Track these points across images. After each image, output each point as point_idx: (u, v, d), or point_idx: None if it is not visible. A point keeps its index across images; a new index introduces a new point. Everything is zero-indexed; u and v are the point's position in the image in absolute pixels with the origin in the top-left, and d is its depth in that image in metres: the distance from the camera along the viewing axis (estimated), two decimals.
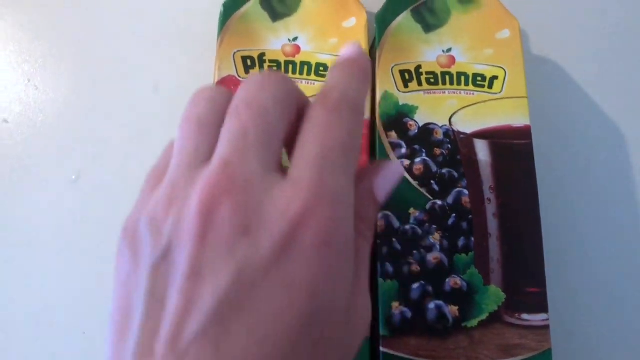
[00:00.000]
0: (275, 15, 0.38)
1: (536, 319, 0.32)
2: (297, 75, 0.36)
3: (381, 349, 0.31)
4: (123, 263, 0.22)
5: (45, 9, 0.47)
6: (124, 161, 0.42)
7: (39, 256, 0.40)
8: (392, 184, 0.26)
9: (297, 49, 0.37)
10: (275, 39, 0.37)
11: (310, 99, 0.24)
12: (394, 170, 0.26)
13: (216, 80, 0.36)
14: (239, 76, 0.36)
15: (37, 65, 0.45)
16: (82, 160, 0.42)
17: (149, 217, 0.21)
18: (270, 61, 0.37)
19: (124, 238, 0.22)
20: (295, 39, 0.37)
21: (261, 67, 0.36)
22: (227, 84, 0.36)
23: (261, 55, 0.37)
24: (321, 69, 0.36)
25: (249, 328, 0.18)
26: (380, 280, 0.32)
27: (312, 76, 0.36)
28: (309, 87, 0.36)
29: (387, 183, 0.26)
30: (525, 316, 0.32)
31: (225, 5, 0.38)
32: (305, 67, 0.36)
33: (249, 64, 0.36)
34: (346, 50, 0.25)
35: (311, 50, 0.37)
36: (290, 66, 0.37)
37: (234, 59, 0.36)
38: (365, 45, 0.37)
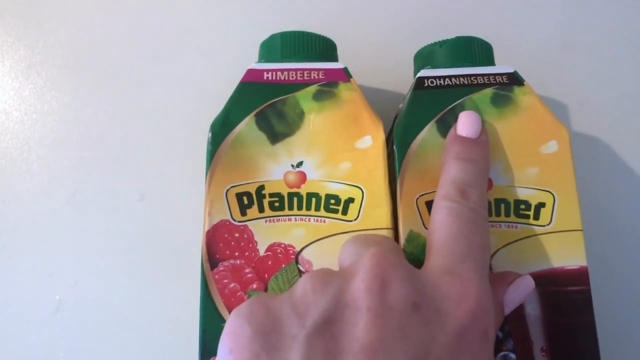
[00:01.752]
0: (275, 136, 0.31)
1: None
2: (304, 211, 0.30)
3: None
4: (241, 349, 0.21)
5: (27, 118, 0.42)
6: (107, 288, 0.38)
7: None
8: (521, 298, 0.27)
9: (303, 177, 0.30)
10: (275, 166, 0.30)
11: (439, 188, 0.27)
12: (525, 285, 0.27)
13: (207, 229, 0.29)
14: (233, 220, 0.29)
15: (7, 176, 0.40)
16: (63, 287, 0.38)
17: (292, 303, 0.22)
18: (271, 195, 0.30)
19: (238, 326, 0.22)
20: (300, 164, 0.30)
21: (260, 204, 0.30)
22: (220, 232, 0.29)
23: (260, 189, 0.30)
24: (332, 201, 0.30)
25: None
26: None
27: (322, 211, 0.30)
28: (319, 225, 0.29)
29: (517, 297, 0.27)
30: None
31: (213, 129, 0.31)
32: (313, 201, 0.30)
33: (245, 202, 0.30)
34: (467, 126, 0.29)
35: (319, 178, 0.30)
36: (295, 199, 0.30)
37: (227, 198, 0.30)
38: (383, 172, 0.30)
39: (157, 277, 0.37)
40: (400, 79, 0.37)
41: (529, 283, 0.27)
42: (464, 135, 0.29)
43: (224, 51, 0.42)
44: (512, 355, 0.29)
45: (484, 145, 0.29)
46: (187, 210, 0.35)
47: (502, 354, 0.29)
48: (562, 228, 0.30)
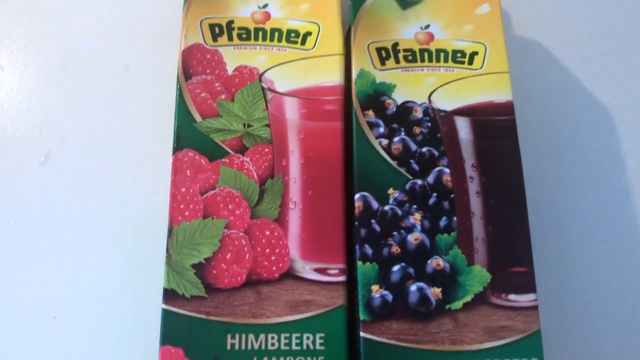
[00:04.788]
0: None
1: (524, 299, 0.30)
2: (268, 42, 0.35)
3: (361, 334, 0.29)
4: None
5: None
6: (95, 142, 0.41)
7: (8, 241, 0.39)
8: None
9: (267, 16, 0.35)
10: (244, 6, 0.36)
11: None
12: None
13: (182, 49, 0.34)
14: (206, 44, 0.34)
15: (2, 46, 0.44)
16: (52, 142, 0.41)
17: None
18: (239, 28, 0.35)
19: None
20: (265, 5, 0.36)
21: (230, 34, 0.35)
22: (194, 53, 0.34)
23: (230, 23, 0.35)
24: (292, 35, 0.35)
25: None
26: (359, 263, 0.30)
27: (283, 42, 0.35)
28: (280, 53, 0.34)
29: None
30: (512, 297, 0.30)
31: None
32: (276, 34, 0.35)
33: (217, 31, 0.35)
34: None
35: (281, 17, 0.35)
36: (260, 33, 0.35)
37: (201, 27, 0.35)
38: (337, 13, 0.35)
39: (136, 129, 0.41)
40: None
41: None
42: None
43: None
44: (447, 170, 0.33)
45: None
46: (166, 78, 0.40)
47: (437, 168, 0.33)
48: (492, 70, 0.34)
